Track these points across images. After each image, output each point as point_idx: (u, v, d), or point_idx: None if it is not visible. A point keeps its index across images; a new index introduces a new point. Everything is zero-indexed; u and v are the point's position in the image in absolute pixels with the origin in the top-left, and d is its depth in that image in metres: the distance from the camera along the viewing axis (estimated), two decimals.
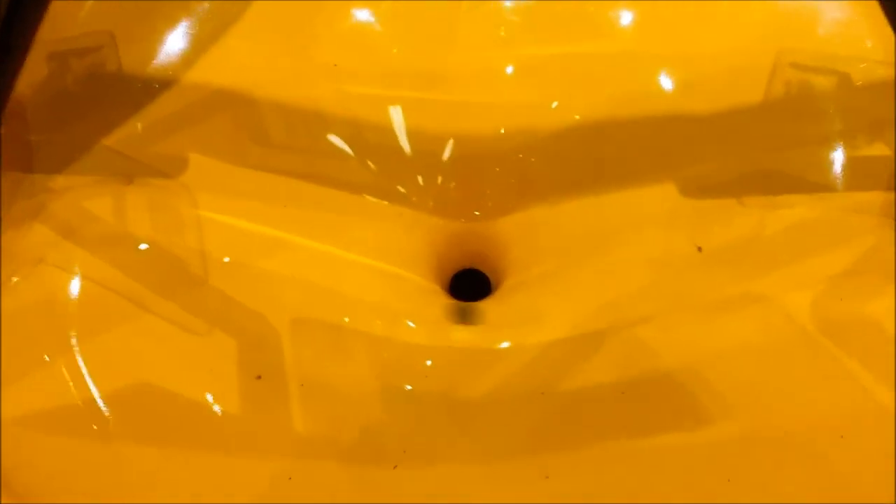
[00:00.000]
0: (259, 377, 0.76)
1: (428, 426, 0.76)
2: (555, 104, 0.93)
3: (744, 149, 0.87)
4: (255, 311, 0.81)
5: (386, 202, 0.93)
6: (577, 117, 0.93)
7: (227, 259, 0.83)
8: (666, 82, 0.91)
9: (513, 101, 0.94)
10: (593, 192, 0.91)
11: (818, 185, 0.84)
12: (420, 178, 0.93)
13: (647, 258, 0.85)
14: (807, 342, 0.76)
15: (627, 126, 0.91)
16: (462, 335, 0.85)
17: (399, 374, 0.80)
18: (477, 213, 0.94)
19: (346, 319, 0.83)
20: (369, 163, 0.93)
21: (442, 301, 0.91)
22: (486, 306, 0.90)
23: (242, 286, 0.82)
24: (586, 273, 0.88)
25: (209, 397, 0.76)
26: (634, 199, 0.88)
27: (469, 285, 0.93)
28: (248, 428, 0.75)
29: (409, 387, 0.79)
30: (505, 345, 0.84)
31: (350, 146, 0.91)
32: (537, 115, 0.95)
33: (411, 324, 0.86)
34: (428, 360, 0.82)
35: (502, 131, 0.94)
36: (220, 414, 0.75)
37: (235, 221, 0.85)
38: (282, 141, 0.92)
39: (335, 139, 0.92)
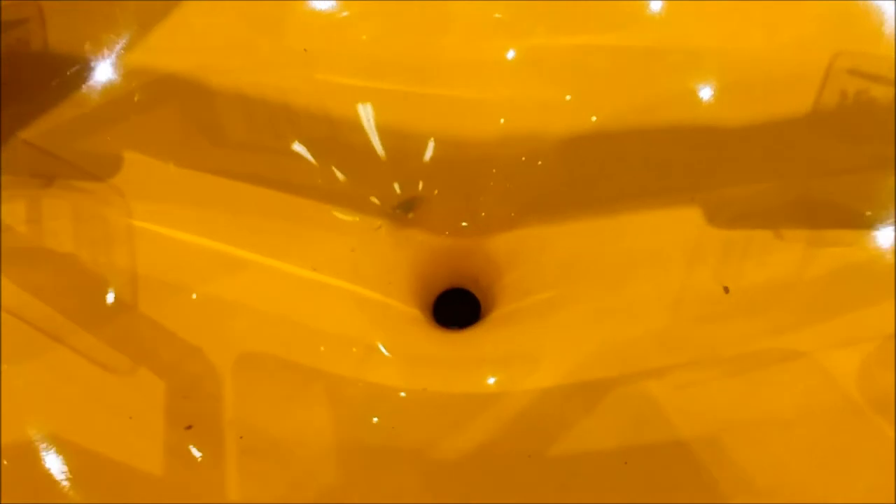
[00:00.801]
0: (189, 427, 0.65)
1: (395, 493, 0.65)
2: (567, 99, 0.82)
3: (786, 170, 0.75)
4: (191, 346, 0.70)
5: (357, 214, 0.82)
6: (594, 119, 0.81)
7: (162, 280, 0.72)
8: (699, 85, 0.79)
9: (514, 97, 0.83)
10: (606, 211, 0.80)
11: (872, 219, 0.69)
12: (396, 186, 0.83)
13: (665, 297, 0.73)
14: (851, 414, 0.64)
15: (651, 134, 0.80)
16: (442, 376, 0.75)
17: (364, 425, 0.69)
18: (465, 224, 0.85)
19: (304, 356, 0.73)
20: (338, 168, 0.82)
21: (421, 330, 0.81)
22: (474, 336, 0.81)
23: (179, 314, 0.71)
24: (592, 308, 0.76)
25: (125, 452, 0.63)
26: (654, 224, 0.77)
27: (456, 307, 0.86)
28: (170, 493, 0.62)
29: (374, 442, 0.68)
30: (491, 385, 0.74)
31: (318, 146, 0.81)
32: (544, 113, 0.83)
33: (384, 357, 0.76)
34: (399, 407, 0.72)
35: (500, 132, 0.83)
36: (136, 473, 0.62)
37: (176, 234, 0.74)
38: (238, 138, 0.81)
39: (301, 138, 0.81)
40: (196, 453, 0.64)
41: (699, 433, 0.65)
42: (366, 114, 0.81)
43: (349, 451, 0.67)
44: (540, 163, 0.83)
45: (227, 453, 0.64)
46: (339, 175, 0.81)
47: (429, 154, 0.82)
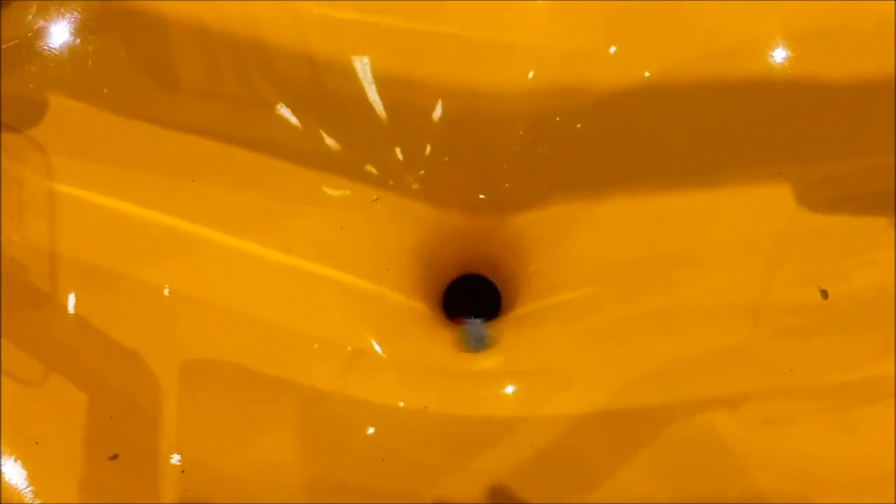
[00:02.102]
0: (114, 457, 0.53)
1: None
2: (613, 50, 0.66)
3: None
4: (124, 348, 0.58)
5: (348, 184, 0.68)
6: (647, 74, 0.65)
7: (90, 263, 0.59)
8: (767, 36, 0.63)
9: (546, 43, 0.67)
10: (661, 188, 0.64)
11: None
12: (398, 152, 0.68)
13: (739, 302, 0.59)
14: None
15: (716, 93, 0.64)
16: (449, 390, 0.62)
17: (344, 457, 0.58)
18: (482, 197, 0.71)
19: (272, 363, 0.60)
20: (323, 126, 0.67)
21: (427, 329, 0.68)
22: (493, 334, 0.67)
23: (110, 308, 0.59)
24: (641, 312, 0.63)
25: (29, 487, 0.51)
26: (724, 206, 0.62)
27: (470, 299, 0.74)
28: None
29: (356, 481, 0.57)
30: (509, 405, 0.62)
31: (297, 97, 0.66)
32: (584, 65, 0.67)
33: (377, 363, 0.64)
34: (391, 432, 0.59)
35: (529, 85, 0.67)
36: None
37: (111, 203, 0.61)
38: (195, 84, 0.65)
39: (276, 86, 0.66)
40: (120, 490, 0.53)
41: (781, 489, 0.53)
42: (360, 57, 0.66)
43: (323, 491, 0.56)
44: (579, 125, 0.68)
45: (163, 492, 0.53)
46: (325, 135, 0.67)
47: (438, 110, 0.68)
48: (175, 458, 0.54)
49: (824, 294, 0.56)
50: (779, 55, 0.62)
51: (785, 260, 0.58)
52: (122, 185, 0.61)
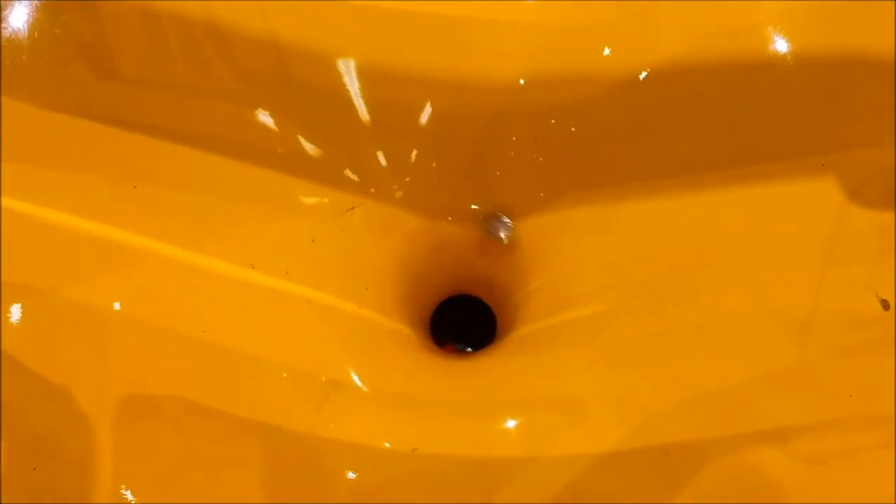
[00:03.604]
0: None
1: None
2: (616, 33, 0.58)
3: None
4: (50, 383, 0.48)
5: (322, 190, 0.59)
6: (658, 59, 0.57)
7: (12, 281, 0.50)
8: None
9: (543, 27, 0.59)
10: (682, 188, 0.56)
11: None
12: (381, 156, 0.60)
13: (782, 316, 0.51)
14: None
15: (741, 79, 0.56)
16: (441, 427, 0.54)
17: None
18: (475, 207, 0.62)
19: (230, 398, 0.51)
20: (293, 122, 0.58)
21: (412, 356, 0.59)
22: (487, 365, 0.59)
23: (33, 335, 0.50)
24: (661, 330, 0.54)
25: None
26: (757, 204, 0.54)
27: (462, 323, 0.68)
28: None
29: None
30: (511, 444, 0.53)
31: (260, 89, 0.58)
32: (585, 50, 0.59)
33: (357, 397, 0.54)
34: (374, 478, 0.51)
35: (524, 76, 0.59)
36: None
37: (37, 211, 0.52)
38: (141, 73, 0.56)
39: (234, 74, 0.57)
40: None
41: None
42: (332, 43, 0.58)
43: None
44: (581, 120, 0.59)
45: None
46: (295, 134, 0.58)
47: (427, 110, 0.60)
48: None
49: (885, 304, 0.48)
50: (810, 27, 0.55)
51: (837, 265, 0.50)
52: (50, 190, 0.52)
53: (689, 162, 0.56)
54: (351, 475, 0.51)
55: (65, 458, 0.46)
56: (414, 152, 0.61)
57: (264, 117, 0.57)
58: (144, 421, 0.48)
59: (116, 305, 0.51)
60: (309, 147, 0.58)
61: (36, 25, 0.54)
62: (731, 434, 0.47)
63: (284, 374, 0.53)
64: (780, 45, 0.55)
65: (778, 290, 0.51)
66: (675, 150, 0.57)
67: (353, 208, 0.59)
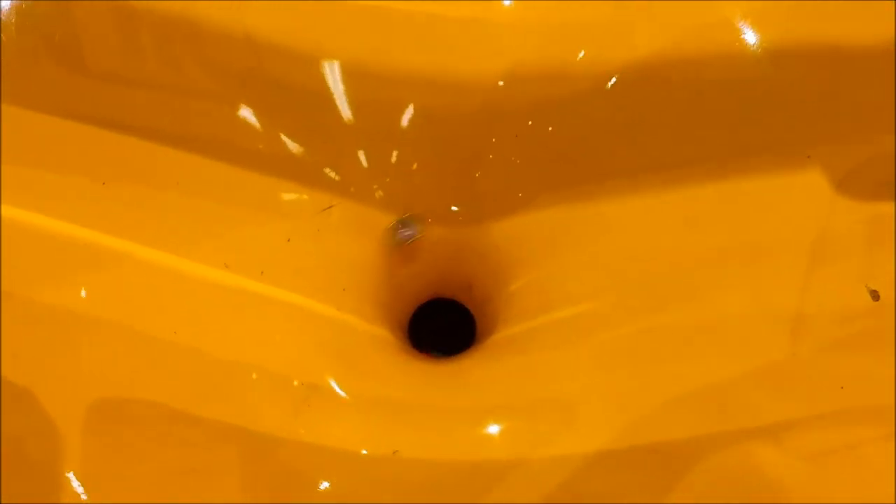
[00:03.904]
0: None
1: None
2: (602, 26, 0.57)
3: None
4: (14, 387, 0.46)
5: (299, 189, 0.57)
6: (643, 52, 0.55)
7: None
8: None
9: (525, 22, 0.58)
10: (669, 183, 0.55)
11: None
12: (362, 156, 0.58)
13: (773, 311, 0.49)
14: None
15: (726, 71, 0.55)
16: (422, 431, 0.52)
17: None
18: (455, 208, 0.61)
19: (205, 404, 0.49)
20: (269, 119, 0.56)
21: (391, 360, 0.57)
22: (468, 369, 0.57)
23: None
24: (652, 328, 0.52)
25: None
26: (745, 199, 0.53)
27: (441, 326, 0.65)
28: None
29: None
30: (495, 447, 0.51)
31: (236, 87, 0.56)
32: (570, 43, 0.57)
33: (335, 402, 0.52)
34: (355, 483, 0.49)
35: (501, 80, 0.57)
36: None
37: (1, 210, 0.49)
38: (110, 68, 0.54)
39: (212, 72, 0.55)
40: None
41: None
42: (309, 37, 0.56)
43: None
44: (551, 128, 0.58)
45: None
46: (271, 131, 0.56)
47: (409, 111, 0.58)
48: None
49: (875, 295, 0.47)
50: (790, 19, 0.54)
51: (826, 258, 0.49)
52: (17, 188, 0.50)
53: (672, 158, 0.55)
54: (330, 481, 0.48)
55: (30, 465, 0.44)
56: (395, 153, 0.59)
57: (240, 115, 0.55)
58: (114, 427, 0.46)
59: (85, 307, 0.49)
60: (288, 145, 0.56)
61: (7, 22, 0.52)
62: (725, 431, 0.45)
63: (259, 378, 0.51)
64: (760, 39, 0.54)
65: (768, 284, 0.50)
66: (657, 146, 0.56)
67: (330, 207, 0.57)
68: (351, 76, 0.57)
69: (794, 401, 0.46)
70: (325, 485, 0.48)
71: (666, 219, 0.54)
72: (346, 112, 0.57)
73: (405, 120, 0.58)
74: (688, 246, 0.53)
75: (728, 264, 0.51)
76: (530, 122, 0.59)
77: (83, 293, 0.49)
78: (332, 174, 0.58)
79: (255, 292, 0.53)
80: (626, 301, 0.54)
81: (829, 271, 0.48)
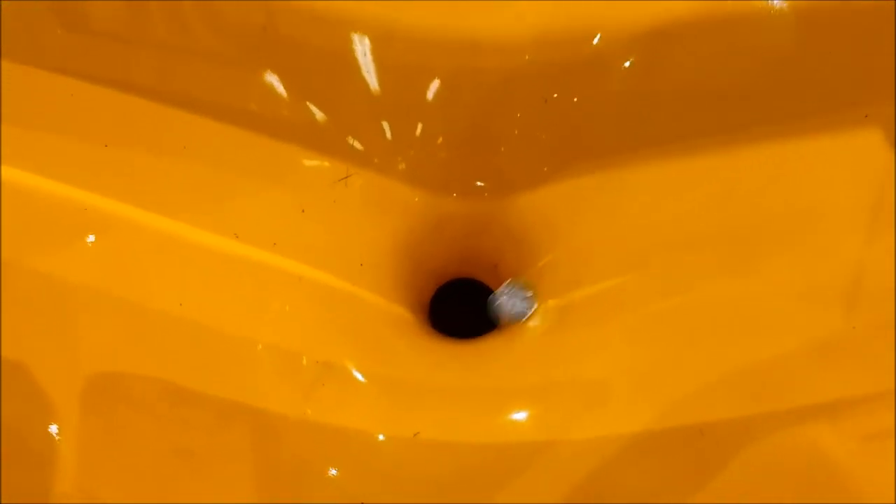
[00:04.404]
0: None
1: None
2: None
3: None
4: (8, 363, 0.43)
5: (318, 157, 0.54)
6: (662, 29, 0.51)
7: None
8: None
9: None
10: (711, 147, 0.51)
11: None
12: (386, 127, 0.54)
13: (821, 285, 0.45)
14: None
15: (771, 24, 0.50)
16: (443, 413, 0.49)
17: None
18: (480, 184, 0.57)
19: (211, 381, 0.46)
20: (287, 83, 0.53)
21: (412, 340, 0.54)
22: (493, 350, 0.54)
23: None
24: (694, 303, 0.48)
25: None
26: (794, 163, 0.48)
27: (464, 307, 0.61)
28: None
29: None
30: (522, 430, 0.47)
31: (249, 49, 0.52)
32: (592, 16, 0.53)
33: (352, 383, 0.49)
34: (373, 466, 0.46)
35: (527, 56, 0.53)
36: None
37: None
38: (114, 26, 0.50)
39: (222, 33, 0.52)
40: None
41: None
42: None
43: None
44: (576, 99, 0.54)
45: None
46: (287, 94, 0.52)
47: (435, 84, 0.54)
48: None
49: None
50: None
51: (885, 226, 0.45)
52: (13, 148, 0.47)
53: (714, 121, 0.51)
54: (342, 467, 0.45)
55: (25, 448, 0.41)
56: (420, 125, 0.56)
57: (255, 77, 0.52)
58: (114, 406, 0.43)
59: (83, 276, 0.46)
60: (305, 111, 0.53)
61: None
62: (775, 411, 0.42)
63: (268, 355, 0.48)
64: None
65: (820, 254, 0.46)
66: (694, 111, 0.52)
67: (347, 177, 0.54)
68: (378, 41, 0.53)
69: (851, 378, 0.42)
70: (339, 468, 0.45)
71: (704, 186, 0.50)
72: (371, 81, 0.54)
73: (431, 93, 0.55)
74: (729, 214, 0.49)
75: (775, 233, 0.47)
76: (556, 95, 0.55)
77: (81, 261, 0.46)
78: (356, 143, 0.55)
79: (267, 264, 0.50)
80: (662, 274, 0.50)
81: (887, 241, 0.44)
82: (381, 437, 0.47)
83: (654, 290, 0.49)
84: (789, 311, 0.45)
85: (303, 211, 0.52)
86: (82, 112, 0.49)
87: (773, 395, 0.42)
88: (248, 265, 0.50)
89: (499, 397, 0.49)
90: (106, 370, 0.44)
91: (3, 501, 0.40)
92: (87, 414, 0.42)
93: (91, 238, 0.47)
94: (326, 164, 0.54)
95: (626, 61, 0.53)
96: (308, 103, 0.53)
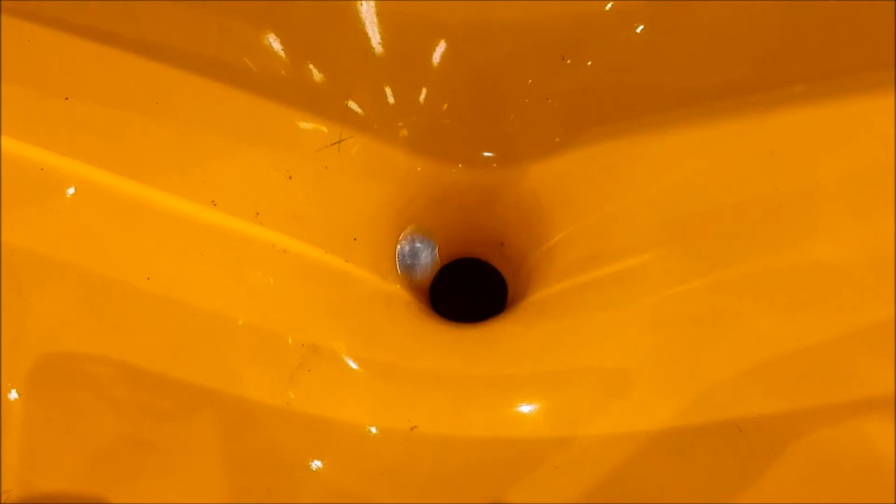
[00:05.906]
0: None
1: None
2: None
3: None
4: None
5: (319, 123, 0.49)
6: None
7: None
8: None
9: None
10: (735, 112, 0.46)
11: None
12: (389, 91, 0.50)
13: (869, 260, 0.41)
14: None
15: None
16: (444, 404, 0.44)
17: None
18: (488, 154, 0.53)
19: (179, 365, 0.41)
20: (283, 40, 0.48)
21: (411, 323, 0.50)
22: (499, 335, 0.49)
23: None
24: (726, 283, 0.44)
25: None
26: (837, 126, 0.43)
27: (468, 287, 0.59)
28: None
29: None
30: (532, 423, 0.43)
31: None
32: None
33: (344, 369, 0.45)
34: (365, 463, 0.42)
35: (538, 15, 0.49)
36: None
37: None
38: None
39: None
40: None
41: None
42: None
43: None
44: (590, 63, 0.50)
45: None
46: (280, 49, 0.48)
47: (441, 47, 0.50)
48: None
49: None
50: None
51: None
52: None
53: (742, 82, 0.46)
54: (327, 461, 0.41)
55: None
56: (424, 91, 0.51)
57: (241, 28, 0.47)
58: (64, 388, 0.39)
59: (37, 243, 0.41)
60: (301, 69, 0.48)
61: None
62: (823, 403, 0.37)
63: (247, 336, 0.43)
64: None
65: (871, 227, 0.41)
66: (720, 70, 0.47)
67: (340, 141, 0.49)
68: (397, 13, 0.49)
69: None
70: (323, 463, 0.40)
71: (734, 153, 0.45)
72: (374, 39, 0.49)
73: (436, 56, 0.50)
74: (763, 184, 0.44)
75: (817, 204, 0.43)
76: (569, 61, 0.50)
77: (34, 225, 0.41)
78: (355, 107, 0.50)
79: (248, 235, 0.46)
80: (687, 252, 0.45)
81: None
82: (372, 430, 0.42)
83: (681, 269, 0.45)
84: (835, 291, 0.40)
85: (290, 177, 0.48)
86: (38, 59, 0.44)
87: (820, 386, 0.38)
88: (227, 236, 0.45)
89: (506, 387, 0.45)
90: (57, 349, 0.39)
91: None
92: (31, 396, 0.37)
93: (46, 201, 0.42)
94: (323, 128, 0.49)
95: (641, 23, 0.48)
96: (304, 60, 0.49)
